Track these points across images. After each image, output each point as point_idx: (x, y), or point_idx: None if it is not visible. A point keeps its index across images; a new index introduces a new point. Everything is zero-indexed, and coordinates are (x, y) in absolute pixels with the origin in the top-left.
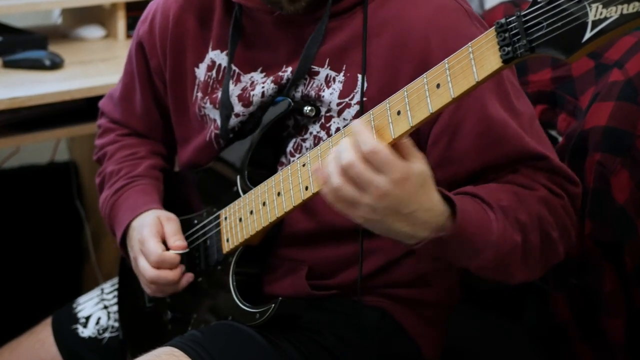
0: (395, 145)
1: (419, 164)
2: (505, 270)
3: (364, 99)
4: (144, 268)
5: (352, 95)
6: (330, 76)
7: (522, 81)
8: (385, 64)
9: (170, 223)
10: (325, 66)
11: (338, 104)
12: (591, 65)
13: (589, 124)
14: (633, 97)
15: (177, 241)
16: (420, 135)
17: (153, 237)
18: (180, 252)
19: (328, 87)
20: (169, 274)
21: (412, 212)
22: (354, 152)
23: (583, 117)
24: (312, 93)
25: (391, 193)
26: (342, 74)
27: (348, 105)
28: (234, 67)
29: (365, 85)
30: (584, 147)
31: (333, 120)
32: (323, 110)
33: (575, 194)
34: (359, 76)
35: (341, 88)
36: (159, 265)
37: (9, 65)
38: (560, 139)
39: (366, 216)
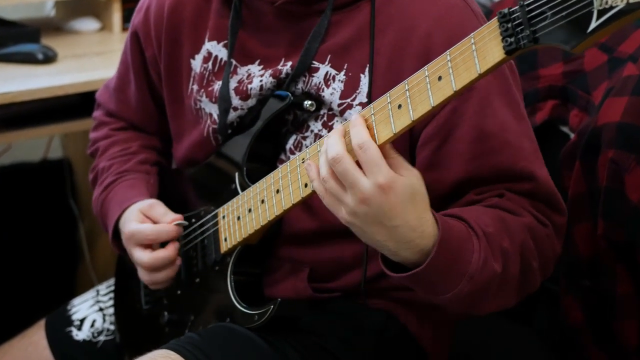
0: (387, 159)
1: (410, 177)
2: (477, 303)
3: (368, 100)
4: (140, 256)
5: (354, 96)
6: (330, 74)
7: (532, 75)
8: (389, 63)
9: (155, 207)
10: (326, 63)
11: (339, 105)
12: (604, 59)
13: (602, 119)
14: None
15: (172, 215)
16: (412, 135)
17: (140, 224)
18: (180, 222)
19: (327, 86)
20: (164, 253)
21: (395, 227)
22: (343, 145)
23: (596, 112)
24: (312, 92)
25: (372, 199)
26: (342, 73)
27: (350, 107)
28: (231, 60)
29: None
30: (597, 144)
31: (336, 119)
32: (324, 109)
33: (560, 223)
34: (362, 77)
35: (342, 88)
36: (158, 237)
37: (0, 59)
38: (572, 135)
39: (347, 218)
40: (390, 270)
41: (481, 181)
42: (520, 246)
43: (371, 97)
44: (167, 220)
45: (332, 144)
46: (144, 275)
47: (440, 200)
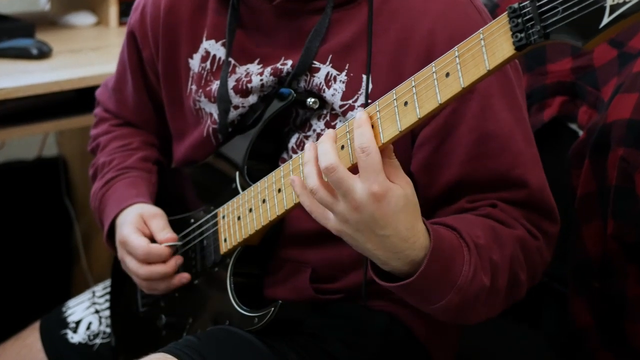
0: (386, 159)
1: (404, 187)
2: (465, 313)
3: (369, 101)
4: (134, 267)
5: (355, 97)
6: (331, 75)
7: (540, 71)
8: (390, 62)
9: (156, 219)
10: (327, 63)
11: (341, 106)
12: (614, 55)
13: (611, 116)
14: None
15: (167, 234)
16: (413, 132)
17: (134, 233)
18: (172, 244)
19: (329, 87)
20: (161, 268)
21: (386, 236)
22: (336, 153)
23: (605, 109)
24: (314, 91)
25: (365, 207)
26: (344, 73)
27: (351, 108)
28: (229, 59)
29: (371, 86)
30: (607, 141)
31: (339, 119)
32: (327, 108)
33: (552, 233)
34: (364, 77)
35: (344, 89)
36: (147, 259)
37: None
38: (580, 132)
39: (337, 226)
40: (380, 277)
41: (474, 185)
42: (510, 259)
43: (367, 98)
44: (161, 237)
45: (324, 152)
46: (140, 283)
47: (432, 202)
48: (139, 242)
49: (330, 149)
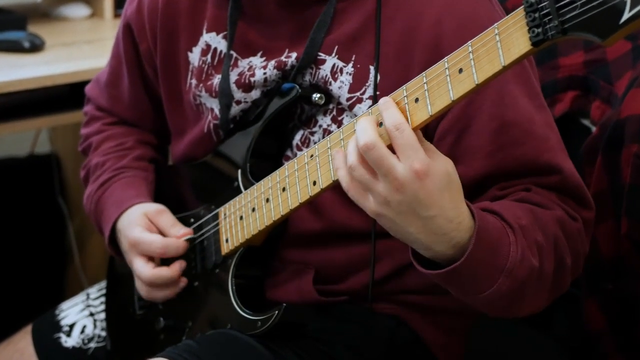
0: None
1: (445, 164)
2: (515, 302)
3: (377, 93)
4: (141, 269)
5: (363, 89)
6: (337, 66)
7: (551, 65)
8: (397, 53)
9: (162, 216)
10: (333, 55)
11: (348, 99)
12: (628, 48)
13: (625, 112)
14: None
15: (180, 230)
16: (429, 130)
17: (145, 232)
18: (189, 237)
19: (335, 79)
20: (166, 272)
21: (431, 217)
22: (375, 130)
23: (619, 104)
24: (320, 85)
25: (407, 186)
26: (350, 64)
27: (359, 100)
28: (231, 52)
29: (378, 77)
30: (620, 137)
31: (345, 113)
32: (333, 103)
33: (589, 219)
34: (371, 68)
35: (351, 81)
36: (165, 253)
37: None
38: (593, 128)
39: (377, 209)
40: (421, 265)
41: (505, 176)
42: (554, 241)
43: (376, 89)
44: (176, 233)
45: (362, 129)
46: (141, 288)
47: None
48: (155, 237)
49: (369, 125)
